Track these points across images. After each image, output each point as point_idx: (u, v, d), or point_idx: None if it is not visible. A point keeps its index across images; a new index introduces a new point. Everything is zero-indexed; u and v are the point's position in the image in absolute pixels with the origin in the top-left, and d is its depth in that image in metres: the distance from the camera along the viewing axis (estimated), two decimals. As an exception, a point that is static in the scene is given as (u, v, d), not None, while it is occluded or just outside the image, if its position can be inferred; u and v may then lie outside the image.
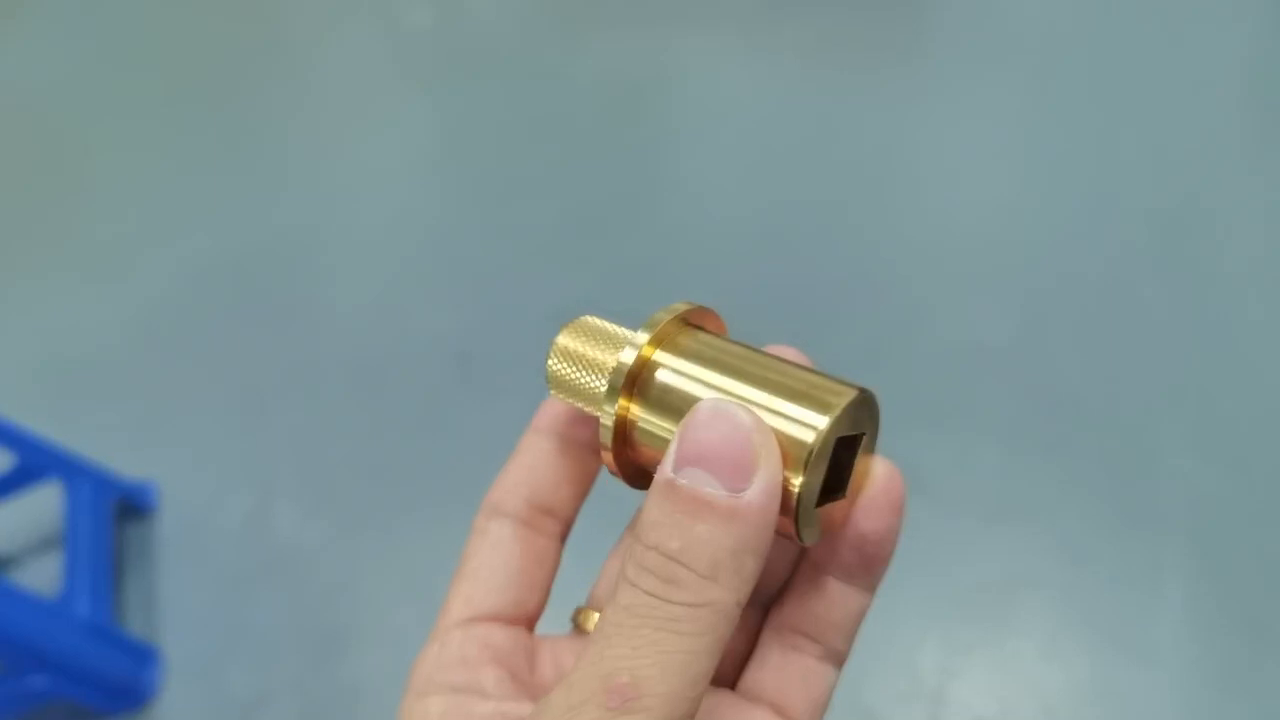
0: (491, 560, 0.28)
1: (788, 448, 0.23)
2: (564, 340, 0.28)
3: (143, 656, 1.01)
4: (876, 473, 0.25)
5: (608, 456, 0.27)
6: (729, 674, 0.28)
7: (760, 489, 0.22)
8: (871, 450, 0.25)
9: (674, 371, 0.26)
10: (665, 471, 0.22)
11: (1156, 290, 1.23)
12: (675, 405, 0.25)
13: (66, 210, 1.58)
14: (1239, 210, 1.31)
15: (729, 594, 0.21)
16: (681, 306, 0.28)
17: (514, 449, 0.30)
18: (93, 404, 1.28)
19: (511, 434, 0.30)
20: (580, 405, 0.28)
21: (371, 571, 1.07)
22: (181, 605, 1.08)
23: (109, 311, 1.39)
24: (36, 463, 1.08)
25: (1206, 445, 1.07)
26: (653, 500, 0.22)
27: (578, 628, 0.30)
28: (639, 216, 1.42)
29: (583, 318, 0.29)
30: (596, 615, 0.29)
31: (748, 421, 0.22)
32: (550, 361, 0.28)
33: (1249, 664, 0.92)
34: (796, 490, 0.23)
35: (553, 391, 0.28)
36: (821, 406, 0.23)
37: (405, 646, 1.01)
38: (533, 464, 0.29)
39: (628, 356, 0.26)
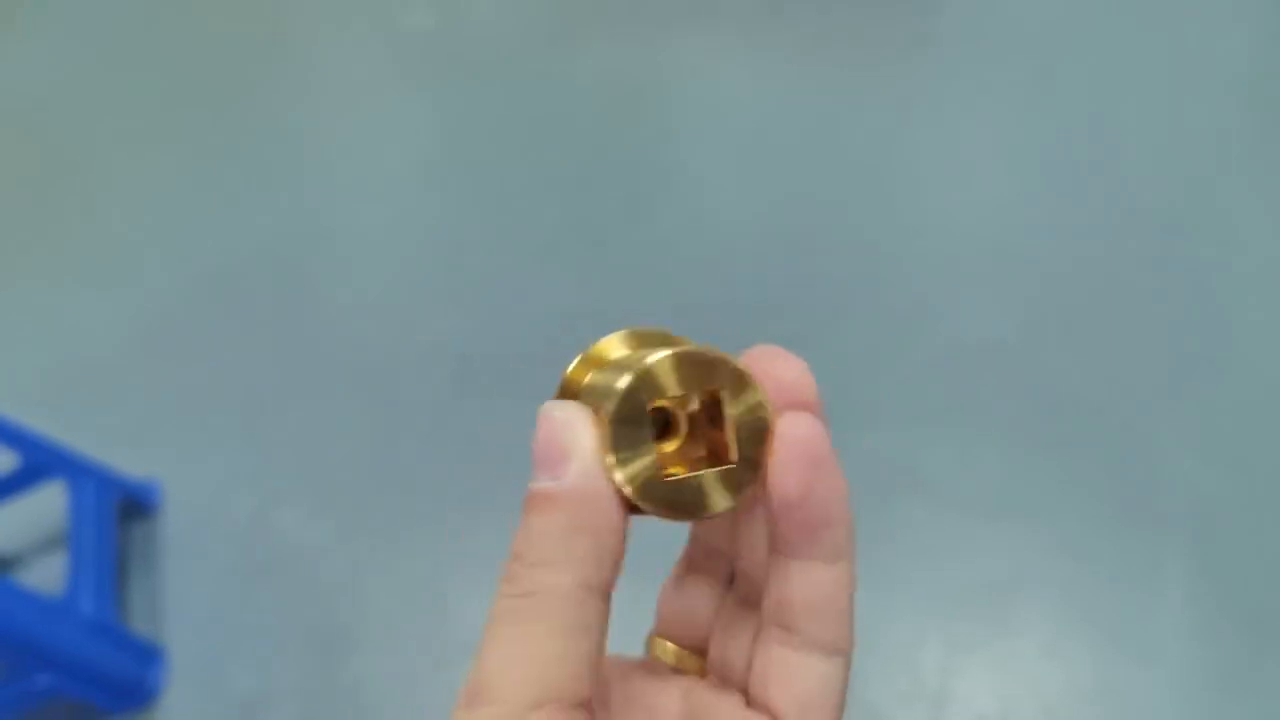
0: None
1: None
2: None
3: (146, 656, 1.01)
4: (783, 428, 0.23)
5: None
6: (743, 680, 0.27)
7: (574, 471, 0.22)
8: (769, 414, 0.24)
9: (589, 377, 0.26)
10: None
11: (1158, 289, 1.23)
12: None
13: (71, 212, 1.59)
14: (1242, 209, 1.31)
15: (561, 575, 0.22)
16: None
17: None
18: (97, 404, 1.28)
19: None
20: None
21: (374, 572, 1.08)
22: (185, 605, 1.08)
23: (113, 312, 1.40)
24: (41, 462, 1.08)
25: (1207, 444, 1.07)
26: None
27: (650, 654, 0.28)
28: (640, 217, 1.42)
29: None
30: (668, 644, 0.28)
31: (557, 415, 0.23)
32: None
33: (1249, 663, 0.92)
34: (610, 464, 0.23)
35: None
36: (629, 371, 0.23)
37: (407, 647, 1.02)
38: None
39: (568, 369, 0.26)
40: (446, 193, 1.52)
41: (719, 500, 0.24)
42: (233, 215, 1.53)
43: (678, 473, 0.24)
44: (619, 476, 0.23)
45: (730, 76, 1.63)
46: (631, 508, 0.23)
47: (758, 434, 0.24)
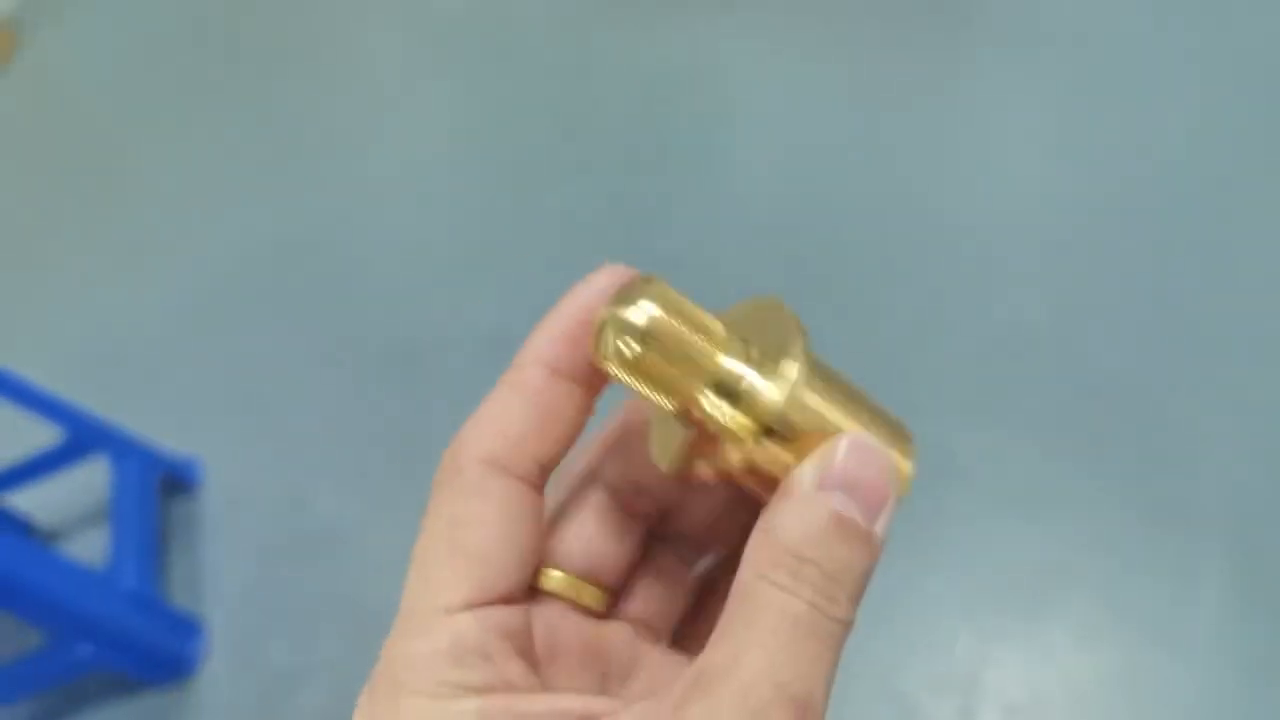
0: (505, 532, 0.25)
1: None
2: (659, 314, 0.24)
3: (186, 629, 1.03)
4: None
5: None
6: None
7: (884, 524, 0.23)
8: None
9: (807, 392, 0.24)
10: (804, 483, 0.22)
11: (1198, 280, 1.21)
12: (815, 423, 0.23)
13: (116, 198, 1.61)
14: (1291, 195, 1.28)
15: (853, 617, 0.22)
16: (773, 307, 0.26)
17: (508, 387, 0.26)
18: (141, 383, 1.31)
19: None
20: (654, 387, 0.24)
21: (407, 550, 1.08)
22: (224, 579, 1.10)
23: (157, 293, 1.42)
24: (86, 438, 1.10)
25: (1245, 437, 1.05)
26: (805, 510, 0.22)
27: (546, 591, 0.27)
28: (673, 201, 1.41)
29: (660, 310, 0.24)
30: (556, 573, 0.27)
31: (890, 464, 0.23)
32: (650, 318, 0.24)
33: (1289, 657, 0.91)
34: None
35: (640, 355, 0.24)
36: (905, 444, 0.25)
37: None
38: (551, 417, 0.26)
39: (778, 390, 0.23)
40: (483, 177, 1.52)
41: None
42: (271, 200, 1.54)
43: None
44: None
45: (765, 59, 1.62)
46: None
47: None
